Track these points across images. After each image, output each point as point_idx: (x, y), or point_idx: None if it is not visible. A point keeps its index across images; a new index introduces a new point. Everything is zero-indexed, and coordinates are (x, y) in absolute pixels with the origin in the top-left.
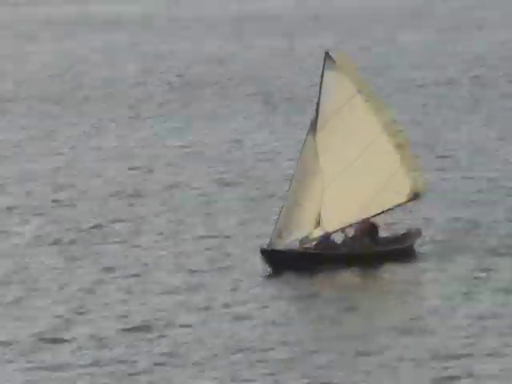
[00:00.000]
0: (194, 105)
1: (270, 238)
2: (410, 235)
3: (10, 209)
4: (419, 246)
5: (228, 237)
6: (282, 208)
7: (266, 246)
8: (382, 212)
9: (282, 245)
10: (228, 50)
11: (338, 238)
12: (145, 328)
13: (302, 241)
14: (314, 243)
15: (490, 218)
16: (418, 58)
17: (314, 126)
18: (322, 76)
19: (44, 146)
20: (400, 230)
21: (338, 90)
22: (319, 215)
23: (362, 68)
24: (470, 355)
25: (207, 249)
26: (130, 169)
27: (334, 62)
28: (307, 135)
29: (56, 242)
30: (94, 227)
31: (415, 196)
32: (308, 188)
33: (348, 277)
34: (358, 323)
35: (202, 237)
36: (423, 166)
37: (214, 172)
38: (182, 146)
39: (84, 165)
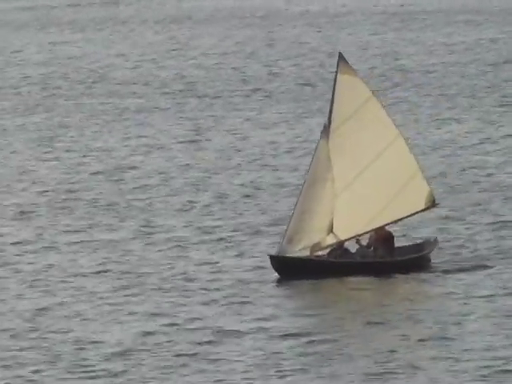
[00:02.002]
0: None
1: (280, 244)
2: (426, 244)
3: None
4: (436, 255)
5: (236, 243)
6: (292, 213)
7: (275, 252)
8: (399, 220)
9: (293, 251)
10: None
11: (352, 246)
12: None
13: (314, 248)
14: (326, 251)
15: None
16: None
17: (326, 130)
18: (336, 78)
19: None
20: (416, 238)
21: (353, 93)
22: (331, 222)
23: None
24: (487, 367)
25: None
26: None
27: (347, 63)
28: (320, 139)
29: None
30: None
31: (433, 203)
32: (320, 194)
33: (361, 286)
34: (370, 333)
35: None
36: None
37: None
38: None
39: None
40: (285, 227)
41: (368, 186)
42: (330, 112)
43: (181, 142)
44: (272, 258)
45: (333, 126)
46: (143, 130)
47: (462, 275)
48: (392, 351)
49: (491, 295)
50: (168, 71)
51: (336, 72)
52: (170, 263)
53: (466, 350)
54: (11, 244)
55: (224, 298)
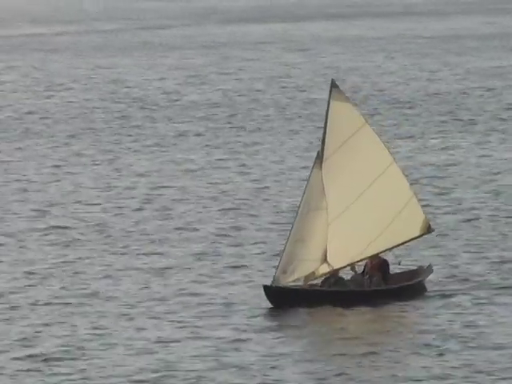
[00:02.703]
0: None
1: (274, 274)
2: (420, 271)
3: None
4: (430, 282)
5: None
6: (286, 242)
7: (269, 283)
8: (394, 247)
9: (286, 281)
10: None
11: (347, 275)
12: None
13: (308, 277)
14: (320, 280)
15: (506, 254)
16: None
17: (320, 158)
18: (328, 105)
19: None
20: (410, 265)
21: (346, 119)
22: (325, 251)
23: None
24: None
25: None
26: None
27: (340, 90)
28: (313, 167)
29: None
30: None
31: (429, 229)
32: (314, 222)
33: (355, 315)
34: (362, 364)
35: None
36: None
37: None
38: None
39: None
40: (279, 257)
41: (362, 214)
42: (323, 140)
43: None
44: (266, 288)
45: (326, 154)
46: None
47: (456, 302)
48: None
49: (488, 322)
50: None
51: (328, 99)
52: (159, 291)
53: (465, 377)
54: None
55: (216, 327)
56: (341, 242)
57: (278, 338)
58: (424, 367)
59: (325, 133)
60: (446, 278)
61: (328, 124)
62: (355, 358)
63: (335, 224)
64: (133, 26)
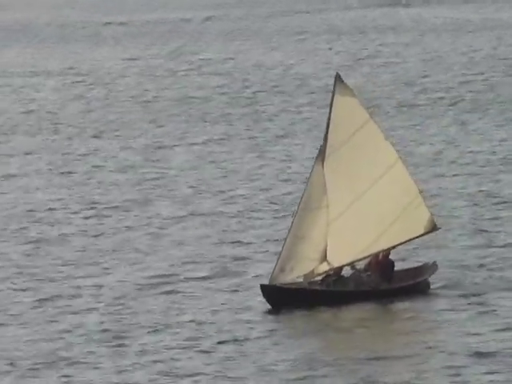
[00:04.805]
0: None
1: (272, 273)
2: (425, 269)
3: None
4: (435, 280)
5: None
6: (285, 240)
7: (267, 281)
8: (397, 245)
9: (285, 280)
10: None
11: (348, 273)
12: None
13: (307, 276)
14: (320, 279)
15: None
16: None
17: (322, 154)
18: (332, 100)
19: None
20: (415, 263)
21: (350, 115)
22: (325, 249)
23: None
24: None
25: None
26: None
27: (345, 84)
28: (315, 163)
29: None
30: None
31: (433, 228)
32: (314, 220)
33: (355, 315)
34: (362, 366)
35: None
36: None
37: None
38: None
39: None
40: (277, 255)
41: (365, 212)
42: (326, 135)
43: None
44: (263, 287)
45: (328, 150)
46: None
47: (462, 302)
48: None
49: (493, 323)
50: None
51: (332, 93)
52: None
53: (466, 382)
54: None
55: (214, 329)
56: (342, 240)
57: (277, 340)
58: (430, 370)
59: (328, 128)
60: (451, 276)
61: (331, 119)
62: (356, 361)
63: (337, 222)
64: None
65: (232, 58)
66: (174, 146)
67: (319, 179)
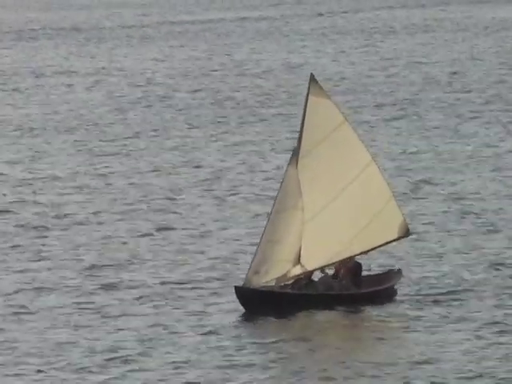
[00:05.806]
0: None
1: (246, 275)
2: (391, 276)
3: None
4: (400, 287)
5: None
6: (259, 243)
7: (240, 284)
8: (370, 250)
9: (258, 283)
10: None
11: (318, 277)
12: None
13: (280, 279)
14: (291, 282)
15: (474, 259)
16: None
17: (295, 155)
18: (307, 100)
19: None
20: (380, 269)
21: (325, 116)
22: (299, 252)
23: None
24: None
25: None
26: None
27: (319, 85)
28: (288, 165)
29: None
30: None
31: (407, 233)
32: (288, 222)
33: (323, 319)
34: (329, 368)
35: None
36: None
37: None
38: None
39: None
40: (251, 257)
41: (338, 215)
42: (300, 136)
43: None
44: (237, 289)
45: (302, 152)
46: None
47: (427, 307)
48: None
49: (458, 328)
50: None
51: (307, 94)
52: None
53: None
54: None
55: (188, 328)
56: (316, 243)
57: (247, 345)
58: (398, 373)
59: (302, 130)
60: (418, 282)
61: (305, 120)
62: (324, 364)
63: (310, 224)
64: None
65: (264, 60)
66: (209, 146)
67: (293, 181)
